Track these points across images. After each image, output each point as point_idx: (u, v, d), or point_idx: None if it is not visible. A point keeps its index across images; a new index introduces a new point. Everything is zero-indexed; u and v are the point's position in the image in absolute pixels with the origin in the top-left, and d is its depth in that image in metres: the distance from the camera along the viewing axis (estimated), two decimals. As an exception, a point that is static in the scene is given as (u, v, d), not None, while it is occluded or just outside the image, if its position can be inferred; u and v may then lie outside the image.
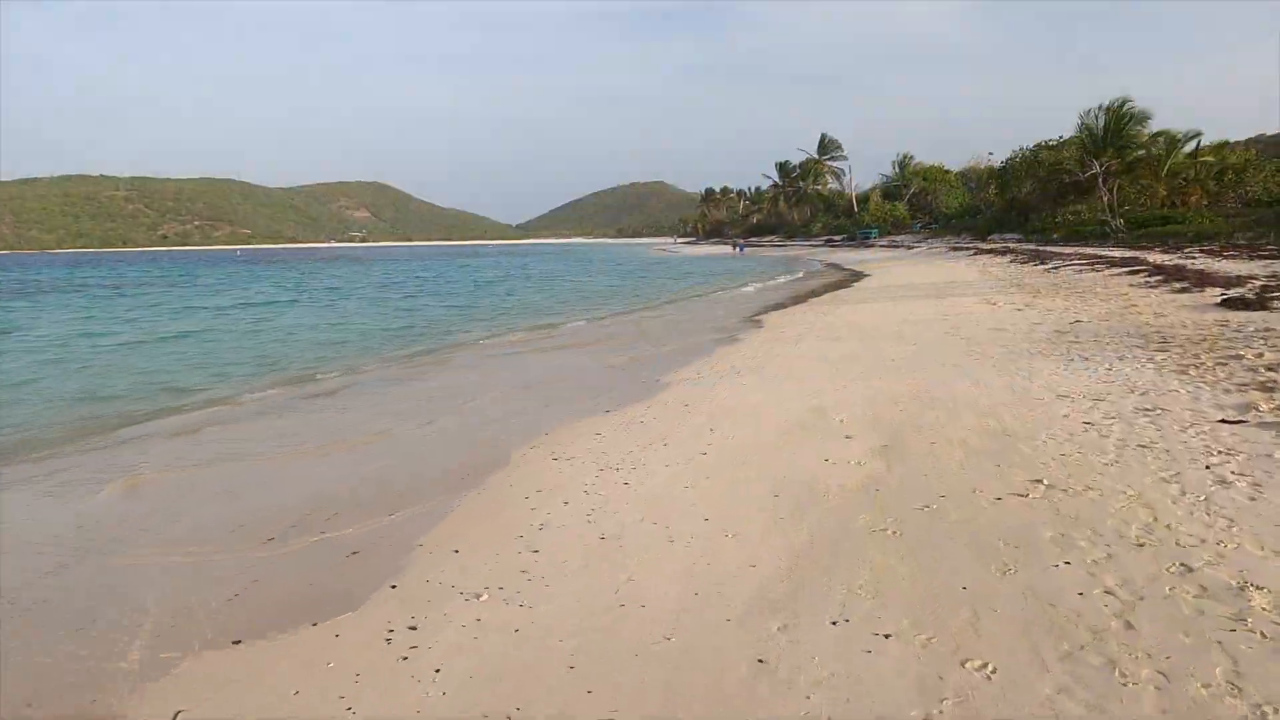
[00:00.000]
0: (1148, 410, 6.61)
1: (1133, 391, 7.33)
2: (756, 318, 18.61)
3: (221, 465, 7.33)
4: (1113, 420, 6.42)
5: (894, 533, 4.56)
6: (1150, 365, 8.50)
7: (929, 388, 8.45)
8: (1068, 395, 7.46)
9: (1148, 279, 18.08)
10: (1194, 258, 24.65)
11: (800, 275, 37.83)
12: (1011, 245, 47.43)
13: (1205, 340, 9.60)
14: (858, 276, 33.23)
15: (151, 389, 11.59)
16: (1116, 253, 30.63)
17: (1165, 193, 49.05)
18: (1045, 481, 5.12)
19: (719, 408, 8.43)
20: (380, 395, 10.78)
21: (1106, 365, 8.77)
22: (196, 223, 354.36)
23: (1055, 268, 25.91)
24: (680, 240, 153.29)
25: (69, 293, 40.04)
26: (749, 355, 12.15)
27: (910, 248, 58.02)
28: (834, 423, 7.30)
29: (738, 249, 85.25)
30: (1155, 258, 25.63)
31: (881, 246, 64.90)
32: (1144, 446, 5.64)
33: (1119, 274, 20.74)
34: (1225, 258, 23.57)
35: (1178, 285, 15.82)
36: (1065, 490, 4.93)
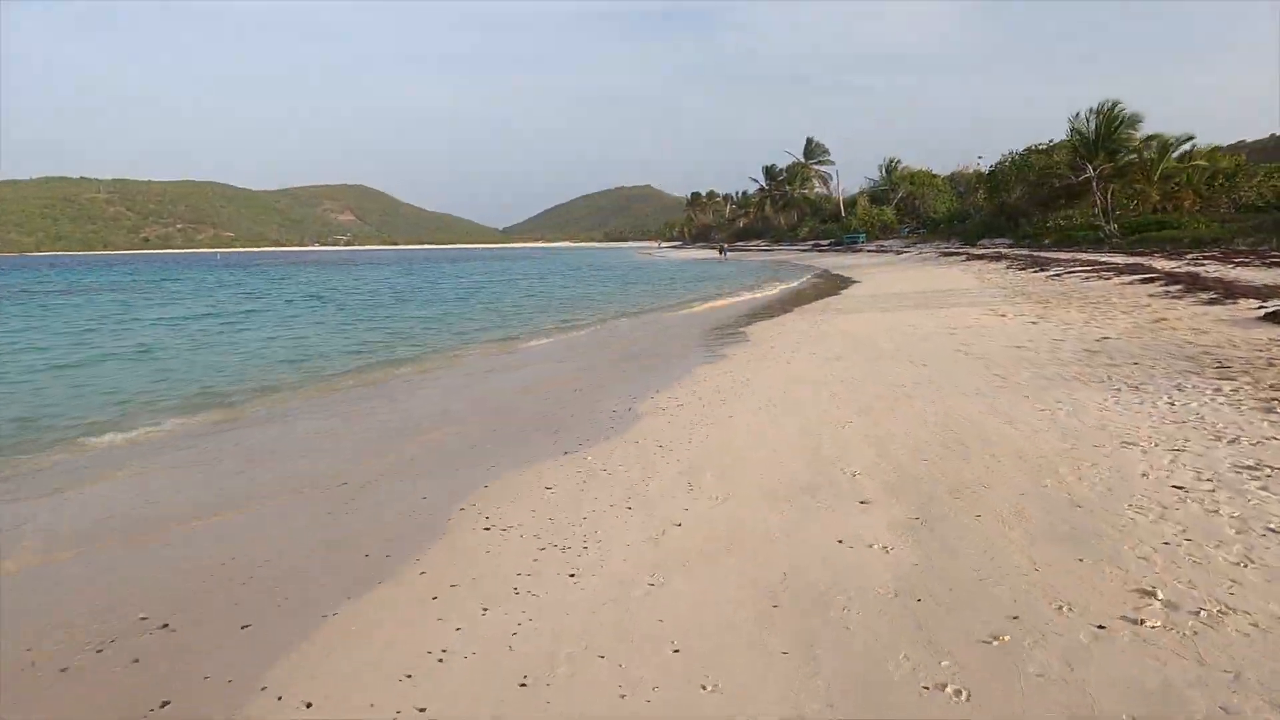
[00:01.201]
0: (1252, 469, 5.12)
1: (1218, 439, 5.85)
2: (743, 329, 17.12)
3: (37, 566, 5.72)
4: (1210, 484, 4.93)
5: (955, 693, 3.02)
6: (1221, 398, 7.03)
7: (955, 426, 6.95)
8: (1135, 441, 5.97)
9: (1166, 288, 16.72)
10: (1203, 264, 23.40)
11: (788, 281, 36.43)
12: (1004, 251, 46.38)
13: (1274, 365, 8.16)
14: (847, 283, 31.86)
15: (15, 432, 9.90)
16: (1118, 259, 29.41)
17: (1158, 197, 48.25)
18: (1160, 594, 3.60)
19: (699, 451, 6.89)
20: (298, 434, 9.16)
21: (1166, 397, 7.30)
22: (179, 225, 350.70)
23: (1057, 275, 24.60)
24: (666, 245, 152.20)
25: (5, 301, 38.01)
26: (736, 376, 10.63)
27: (899, 253, 56.85)
28: (843, 477, 5.77)
29: (722, 253, 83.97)
30: (1162, 264, 24.37)
31: (869, 251, 63.77)
32: (1276, 531, 4.15)
33: (1130, 282, 19.40)
34: (1236, 264, 22.32)
35: (1204, 296, 14.44)
36: (1195, 613, 3.42)
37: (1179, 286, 16.47)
